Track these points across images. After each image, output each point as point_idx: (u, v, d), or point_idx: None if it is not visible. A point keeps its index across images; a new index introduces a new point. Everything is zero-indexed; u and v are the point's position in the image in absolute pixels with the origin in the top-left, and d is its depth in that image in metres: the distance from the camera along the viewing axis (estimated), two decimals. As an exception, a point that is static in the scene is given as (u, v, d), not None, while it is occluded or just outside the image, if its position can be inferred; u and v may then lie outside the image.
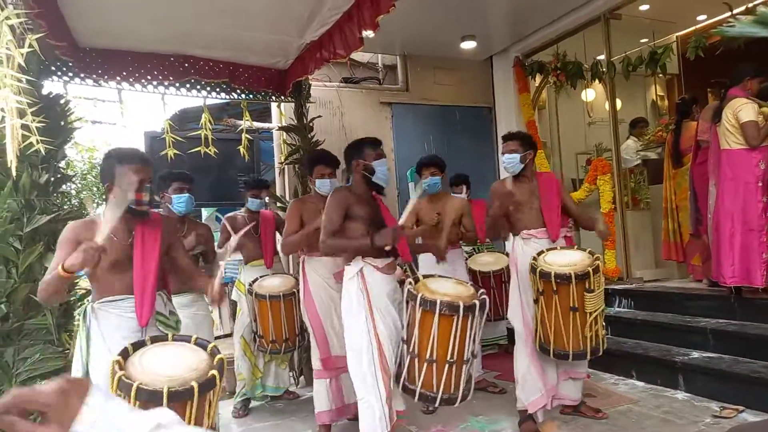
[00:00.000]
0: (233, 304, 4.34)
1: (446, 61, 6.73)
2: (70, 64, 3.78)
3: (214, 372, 1.91)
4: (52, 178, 3.38)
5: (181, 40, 4.00)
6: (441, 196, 3.99)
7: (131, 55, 4.03)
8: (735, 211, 3.87)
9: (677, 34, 6.63)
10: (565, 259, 3.04)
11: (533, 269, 3.06)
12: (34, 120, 2.67)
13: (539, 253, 3.14)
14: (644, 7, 5.96)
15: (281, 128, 5.26)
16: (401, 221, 2.84)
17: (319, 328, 3.41)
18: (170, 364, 1.91)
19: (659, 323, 4.33)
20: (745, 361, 3.58)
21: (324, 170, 3.52)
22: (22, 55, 2.60)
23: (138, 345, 2.01)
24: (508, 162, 3.34)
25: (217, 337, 5.63)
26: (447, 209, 3.89)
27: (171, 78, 4.19)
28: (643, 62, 5.88)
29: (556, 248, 3.21)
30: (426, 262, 3.90)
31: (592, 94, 7.21)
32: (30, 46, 2.65)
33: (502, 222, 3.38)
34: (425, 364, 2.49)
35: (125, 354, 1.94)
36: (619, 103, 6.11)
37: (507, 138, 3.41)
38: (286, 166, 5.57)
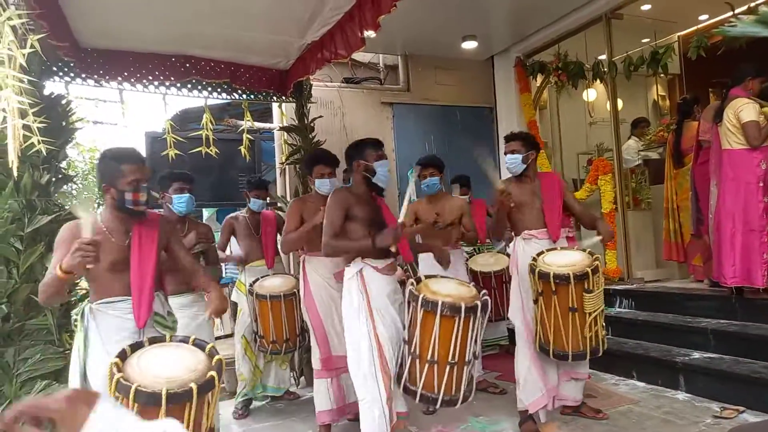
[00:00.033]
0: (234, 305, 4.35)
1: (447, 61, 6.73)
2: (72, 64, 3.78)
3: (213, 373, 1.91)
4: (54, 179, 3.39)
5: (183, 40, 4.01)
6: (440, 196, 3.99)
7: (132, 56, 4.04)
8: (736, 212, 3.87)
9: (679, 33, 6.61)
10: (564, 260, 3.03)
11: (532, 270, 3.06)
12: (35, 120, 2.68)
13: (539, 254, 3.14)
14: (646, 7, 5.96)
15: (282, 128, 5.26)
16: (400, 219, 2.83)
17: (320, 328, 3.41)
18: (169, 365, 1.91)
19: (660, 323, 4.32)
20: (745, 361, 3.57)
21: (323, 170, 3.52)
22: (24, 55, 2.60)
23: (136, 346, 2.00)
24: (511, 162, 3.34)
25: (217, 338, 5.64)
26: (446, 209, 3.89)
27: (172, 78, 4.19)
28: (645, 62, 5.87)
29: (556, 249, 3.21)
30: (426, 262, 3.90)
31: (593, 94, 7.20)
32: (32, 46, 2.66)
33: (504, 222, 3.37)
34: (426, 365, 2.48)
35: (123, 356, 1.94)
36: (620, 103, 6.10)
37: (509, 138, 3.40)
38: (287, 167, 5.58)
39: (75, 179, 4.07)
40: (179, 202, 3.44)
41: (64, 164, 3.62)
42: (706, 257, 4.59)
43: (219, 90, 4.54)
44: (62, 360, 3.08)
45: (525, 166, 3.32)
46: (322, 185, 3.52)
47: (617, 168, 5.59)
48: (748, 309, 3.96)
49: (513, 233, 3.47)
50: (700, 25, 6.18)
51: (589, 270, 2.91)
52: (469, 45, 6.28)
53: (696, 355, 3.85)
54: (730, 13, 4.68)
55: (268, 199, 4.45)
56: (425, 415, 3.63)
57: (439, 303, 2.43)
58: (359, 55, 6.25)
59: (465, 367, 2.52)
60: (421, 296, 2.48)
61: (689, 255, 4.98)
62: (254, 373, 4.18)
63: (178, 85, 4.30)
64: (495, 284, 4.67)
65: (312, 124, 5.03)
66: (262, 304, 3.82)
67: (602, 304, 3.04)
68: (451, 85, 6.84)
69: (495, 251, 5.16)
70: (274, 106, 5.58)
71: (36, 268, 3.09)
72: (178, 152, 4.41)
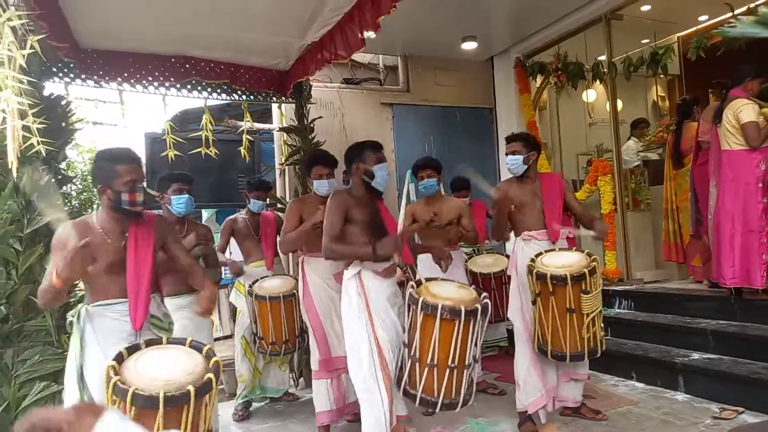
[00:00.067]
0: (233, 306, 4.35)
1: (447, 62, 6.73)
2: (72, 65, 3.79)
3: (210, 375, 1.90)
4: (53, 180, 3.38)
5: (182, 41, 4.01)
6: (438, 198, 3.97)
7: (132, 57, 4.04)
8: (735, 212, 3.87)
9: (678, 34, 6.62)
10: (562, 261, 3.04)
11: (530, 271, 3.06)
12: (35, 121, 2.68)
13: (537, 255, 3.14)
14: (645, 8, 5.95)
15: (282, 129, 5.26)
16: (399, 226, 2.82)
17: (319, 329, 3.41)
18: (166, 368, 1.90)
19: (659, 324, 4.32)
20: (745, 362, 3.57)
21: (322, 171, 3.52)
22: (24, 56, 2.61)
23: (133, 349, 1.99)
24: (512, 163, 3.33)
25: (216, 339, 5.65)
26: (444, 210, 3.87)
27: (172, 79, 4.19)
28: (644, 63, 5.87)
29: (554, 250, 3.20)
30: (425, 263, 3.89)
31: (593, 94, 7.20)
32: (31, 47, 2.66)
33: (504, 224, 3.36)
34: (426, 369, 2.47)
35: (120, 358, 1.93)
36: (620, 104, 6.10)
37: (510, 139, 3.39)
38: (286, 167, 5.57)
39: (74, 180, 4.07)
40: (178, 203, 3.43)
41: (63, 165, 3.63)
42: (705, 258, 4.59)
43: (219, 91, 4.55)
44: (61, 361, 3.06)
45: (526, 167, 3.32)
46: (320, 186, 3.52)
47: (617, 169, 5.59)
48: (747, 310, 3.96)
49: (513, 233, 3.47)
50: (699, 26, 6.20)
51: (586, 271, 2.91)
52: (469, 46, 6.28)
53: (695, 355, 3.85)
54: (730, 14, 4.69)
55: (268, 200, 4.45)
56: (424, 416, 3.63)
57: (439, 306, 2.42)
58: (359, 56, 6.25)
59: (465, 371, 2.51)
60: (421, 299, 2.47)
61: (689, 256, 4.98)
62: (254, 375, 4.18)
63: (178, 85, 4.30)
64: (494, 285, 4.67)
65: (312, 125, 5.03)
66: (261, 305, 3.82)
67: (600, 305, 3.04)
68: (450, 85, 6.83)
69: (489, 248, 5.18)
70: (274, 106, 5.58)
71: (35, 269, 3.09)
72: (178, 153, 4.41)
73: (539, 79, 6.52)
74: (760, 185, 3.80)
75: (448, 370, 2.45)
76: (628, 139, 6.39)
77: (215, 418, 3.26)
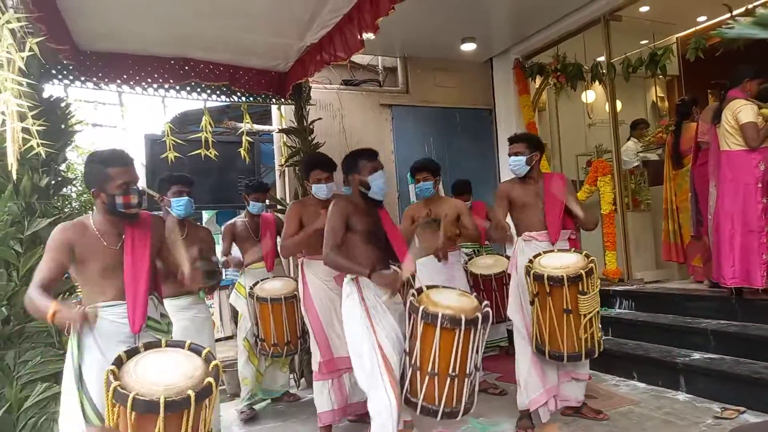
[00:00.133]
0: (234, 308, 4.34)
1: (446, 63, 6.74)
2: (71, 67, 3.79)
3: (210, 379, 1.89)
4: (53, 181, 3.38)
5: (182, 42, 4.01)
6: (435, 199, 3.94)
7: (132, 58, 4.04)
8: (735, 212, 3.87)
9: (677, 35, 6.63)
10: (559, 262, 3.04)
11: (528, 271, 3.07)
12: (34, 123, 2.68)
13: (535, 256, 3.15)
14: (644, 9, 5.96)
15: (281, 131, 5.27)
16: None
17: (320, 330, 3.41)
18: (165, 372, 1.88)
19: (660, 324, 4.32)
20: (746, 362, 3.58)
21: (320, 175, 3.50)
22: (23, 58, 2.61)
23: (132, 352, 1.97)
24: (515, 164, 3.33)
25: (217, 340, 5.64)
26: (443, 210, 3.86)
27: (171, 81, 4.19)
28: (643, 63, 5.87)
29: (553, 251, 3.20)
30: (423, 272, 3.85)
31: (592, 95, 7.21)
32: (30, 49, 2.66)
33: (504, 227, 3.36)
34: (427, 377, 2.46)
35: (119, 362, 1.91)
36: (619, 105, 6.11)
37: (513, 140, 3.39)
38: (286, 169, 5.58)
39: (74, 182, 4.07)
40: (178, 205, 3.42)
41: (63, 167, 3.62)
42: (705, 258, 4.59)
43: (218, 92, 4.55)
44: (62, 362, 3.05)
45: (529, 167, 3.32)
46: (319, 191, 3.51)
47: (616, 169, 5.59)
48: (747, 309, 3.96)
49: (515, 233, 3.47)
50: (698, 27, 6.20)
51: (583, 272, 2.91)
52: (468, 47, 6.29)
53: (696, 355, 3.85)
54: (728, 15, 4.70)
55: (267, 201, 4.45)
56: (425, 416, 3.62)
57: (439, 315, 2.40)
58: (358, 57, 6.25)
59: (466, 379, 2.50)
60: (421, 308, 2.46)
61: (689, 256, 4.99)
62: (256, 377, 4.17)
63: (178, 87, 4.30)
64: (495, 287, 4.66)
65: (311, 126, 5.03)
66: (262, 307, 3.82)
67: (598, 306, 3.05)
68: (450, 86, 6.84)
69: (489, 248, 5.18)
70: (273, 108, 5.58)
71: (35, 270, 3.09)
72: (178, 155, 4.41)
73: (538, 80, 6.53)
74: (760, 185, 3.80)
75: (449, 379, 2.44)
76: (628, 139, 6.40)
77: (217, 419, 3.25)
